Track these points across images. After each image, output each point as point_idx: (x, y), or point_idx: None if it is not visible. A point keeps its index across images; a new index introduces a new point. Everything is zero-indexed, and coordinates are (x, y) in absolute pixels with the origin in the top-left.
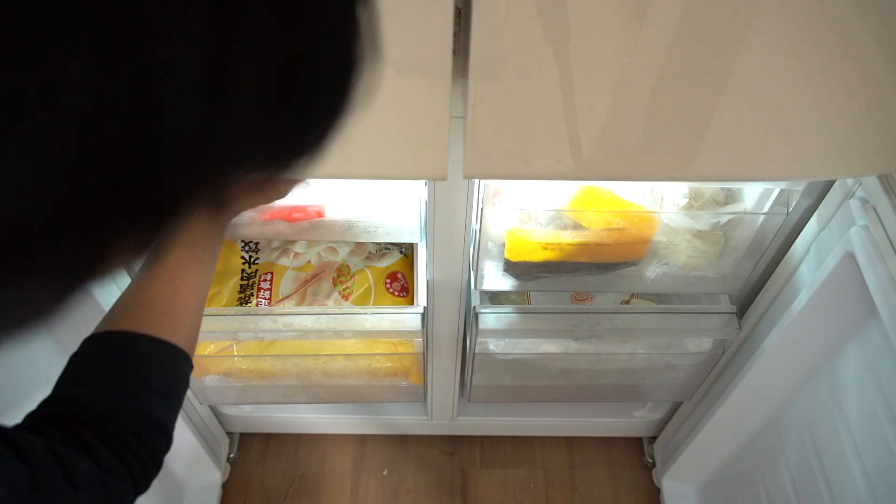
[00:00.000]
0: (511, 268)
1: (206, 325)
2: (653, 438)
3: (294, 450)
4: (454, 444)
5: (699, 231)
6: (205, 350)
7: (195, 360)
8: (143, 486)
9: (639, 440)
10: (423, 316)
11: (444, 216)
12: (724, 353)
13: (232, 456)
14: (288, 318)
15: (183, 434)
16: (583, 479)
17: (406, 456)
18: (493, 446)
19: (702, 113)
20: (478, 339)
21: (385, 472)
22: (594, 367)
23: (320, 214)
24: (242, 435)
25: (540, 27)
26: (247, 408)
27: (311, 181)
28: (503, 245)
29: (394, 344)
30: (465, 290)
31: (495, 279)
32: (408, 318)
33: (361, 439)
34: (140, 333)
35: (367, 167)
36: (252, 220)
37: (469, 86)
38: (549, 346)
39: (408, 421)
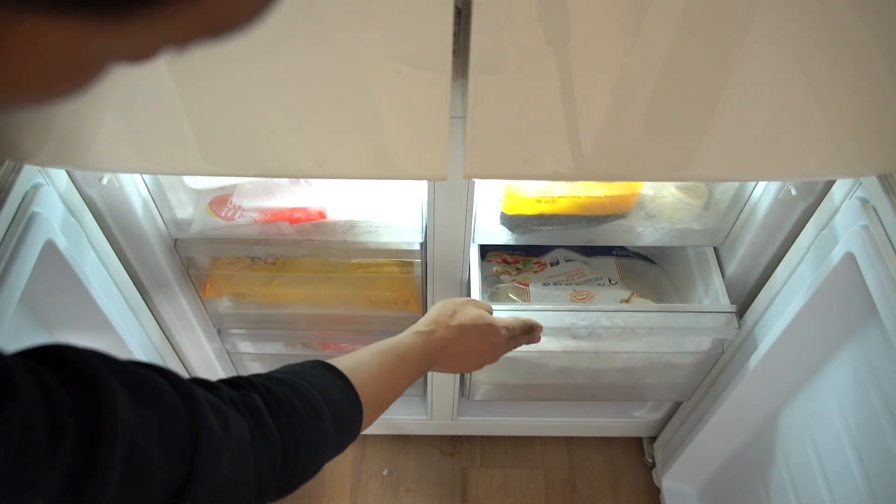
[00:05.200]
0: (507, 221)
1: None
2: (653, 438)
3: None
4: (454, 444)
5: (684, 184)
6: (222, 268)
7: (213, 279)
8: (284, 466)
9: (639, 440)
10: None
11: (445, 217)
12: (723, 352)
13: None
14: None
15: None
16: (583, 479)
17: (406, 456)
18: (493, 446)
19: (702, 113)
20: None
21: (385, 472)
22: (593, 365)
23: (322, 215)
24: None
25: (540, 27)
26: None
27: (313, 182)
28: (499, 200)
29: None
30: (465, 294)
31: (491, 233)
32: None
33: (361, 439)
34: (349, 377)
35: (367, 167)
36: (254, 220)
37: (469, 86)
38: (549, 344)
39: (408, 421)
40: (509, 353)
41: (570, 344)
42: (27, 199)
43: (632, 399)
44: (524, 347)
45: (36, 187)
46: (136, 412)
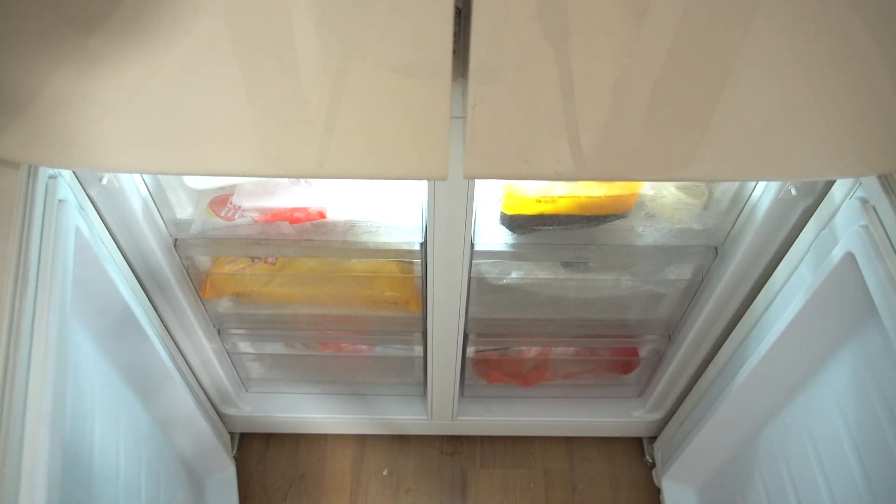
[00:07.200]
0: (507, 221)
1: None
2: (653, 438)
3: (294, 450)
4: (454, 444)
5: (684, 184)
6: (222, 268)
7: (213, 279)
8: None
9: (639, 440)
10: (424, 319)
11: (445, 217)
12: (703, 280)
13: (232, 455)
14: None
15: (198, 424)
16: (583, 479)
17: (406, 456)
18: (493, 446)
19: (702, 113)
20: (473, 262)
21: (385, 472)
22: (581, 294)
23: (322, 215)
24: (242, 435)
25: (540, 27)
26: (247, 407)
27: (313, 182)
28: (499, 200)
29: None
30: (465, 299)
31: (491, 233)
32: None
33: (361, 439)
34: None
35: (367, 167)
36: (255, 220)
37: (469, 86)
38: (540, 273)
39: (408, 421)
40: (503, 281)
41: (560, 272)
42: (50, 189)
43: (623, 335)
44: (517, 276)
45: (54, 177)
46: None
